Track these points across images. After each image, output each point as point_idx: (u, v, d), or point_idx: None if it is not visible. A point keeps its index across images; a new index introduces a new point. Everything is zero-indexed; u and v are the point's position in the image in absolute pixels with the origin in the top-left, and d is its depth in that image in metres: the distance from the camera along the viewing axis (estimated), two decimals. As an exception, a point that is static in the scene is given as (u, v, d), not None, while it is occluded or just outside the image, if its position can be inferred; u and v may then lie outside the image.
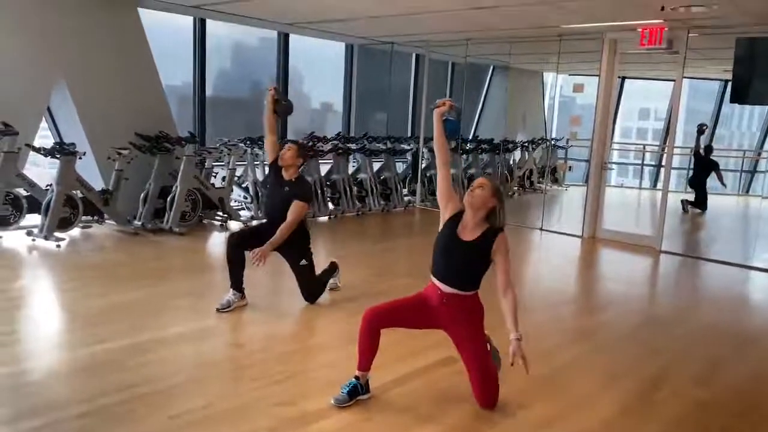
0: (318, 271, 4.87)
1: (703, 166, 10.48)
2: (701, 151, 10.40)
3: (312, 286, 4.74)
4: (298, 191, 4.62)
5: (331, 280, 5.06)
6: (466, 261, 3.14)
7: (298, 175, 4.71)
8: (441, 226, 3.24)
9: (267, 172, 4.90)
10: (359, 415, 3.09)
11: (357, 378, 3.21)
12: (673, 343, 4.48)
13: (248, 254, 4.48)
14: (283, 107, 4.83)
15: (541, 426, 3.11)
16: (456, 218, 3.17)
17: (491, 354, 3.39)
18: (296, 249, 4.68)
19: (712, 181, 10.71)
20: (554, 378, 3.60)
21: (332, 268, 5.08)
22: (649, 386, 3.67)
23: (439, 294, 3.17)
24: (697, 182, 10.62)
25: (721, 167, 10.76)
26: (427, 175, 10.27)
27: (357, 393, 3.19)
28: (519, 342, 3.04)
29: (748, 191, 12.34)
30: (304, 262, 4.69)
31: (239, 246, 4.60)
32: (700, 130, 10.42)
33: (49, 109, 7.05)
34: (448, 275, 3.17)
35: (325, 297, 4.99)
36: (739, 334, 4.88)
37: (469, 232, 3.12)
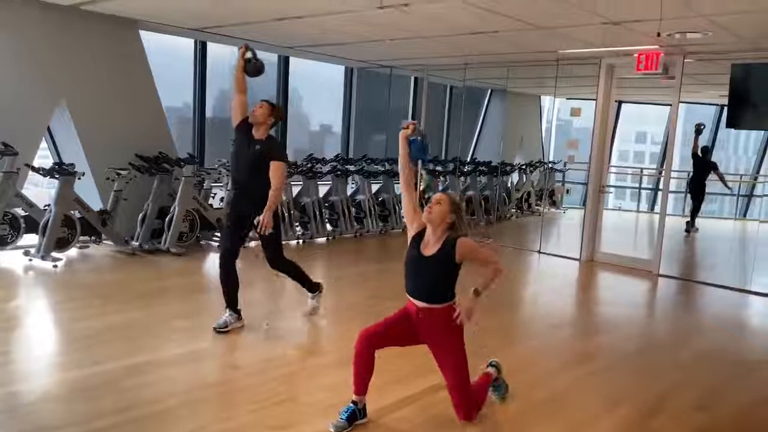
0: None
1: (702, 167, 10.42)
2: (699, 152, 10.38)
3: (275, 258, 4.61)
4: (272, 150, 4.41)
5: (311, 302, 4.93)
6: (431, 275, 3.19)
7: (269, 134, 4.48)
8: (409, 244, 3.30)
9: (235, 134, 4.56)
10: (355, 440, 3.06)
11: (355, 402, 3.19)
12: (673, 368, 4.46)
13: (252, 246, 4.33)
14: (253, 66, 4.56)
15: (540, 451, 3.07)
16: (420, 235, 3.23)
17: (497, 385, 3.46)
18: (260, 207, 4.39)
19: (708, 203, 10.70)
20: (553, 402, 3.57)
21: (314, 286, 4.92)
22: (649, 411, 3.64)
23: (415, 309, 3.22)
24: (698, 184, 10.56)
25: (718, 191, 10.78)
26: (426, 197, 10.27)
27: (356, 418, 3.17)
28: (475, 295, 3.08)
29: (745, 215, 12.37)
30: (270, 230, 4.39)
31: (231, 260, 4.54)
32: (698, 129, 10.29)
33: (49, 129, 7.08)
34: (418, 291, 3.23)
35: (320, 320, 4.96)
36: (738, 359, 4.86)
37: (430, 247, 3.18)
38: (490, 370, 3.49)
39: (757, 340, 5.72)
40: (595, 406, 3.68)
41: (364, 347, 3.16)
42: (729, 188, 10.81)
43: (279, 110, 4.59)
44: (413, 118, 11.52)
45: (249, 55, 4.56)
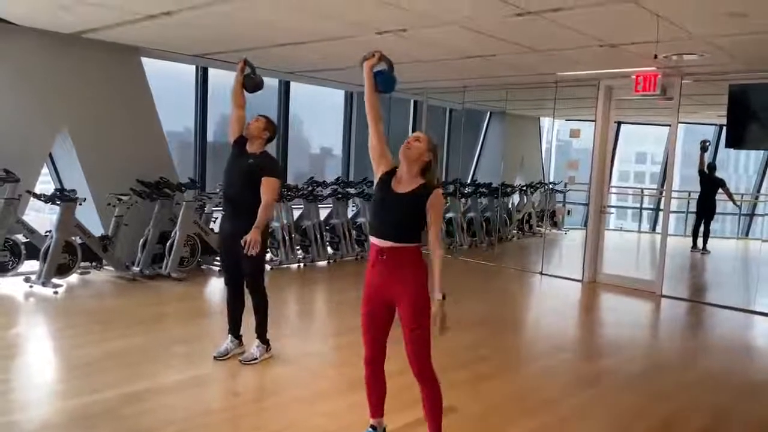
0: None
1: (710, 184, 10.40)
2: (705, 169, 10.38)
3: (253, 280, 4.39)
4: (265, 165, 4.28)
5: (256, 348, 4.46)
6: (401, 212, 3.00)
7: (263, 150, 4.37)
8: (375, 184, 3.13)
9: (231, 150, 4.45)
10: (359, 467, 3.02)
11: (373, 427, 3.17)
12: (678, 391, 4.41)
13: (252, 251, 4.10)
14: (252, 81, 4.49)
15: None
16: (390, 173, 3.07)
17: None
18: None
19: (712, 224, 10.69)
20: (560, 427, 3.53)
21: (265, 339, 4.52)
22: (655, 435, 3.59)
23: (378, 250, 3.00)
24: (707, 202, 10.48)
25: (720, 211, 10.76)
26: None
27: None
28: (440, 302, 2.90)
29: (747, 234, 12.35)
30: (255, 251, 4.15)
31: (237, 287, 4.48)
32: (703, 147, 10.32)
33: (50, 156, 7.11)
34: (384, 229, 3.03)
35: (321, 345, 4.93)
36: (744, 381, 4.81)
37: (404, 185, 3.01)
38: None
39: (763, 361, 5.67)
40: (601, 429, 3.64)
41: (369, 371, 3.12)
42: (737, 204, 10.76)
43: (275, 125, 4.48)
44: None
45: (248, 70, 4.51)
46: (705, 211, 10.57)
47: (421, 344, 2.98)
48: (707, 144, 10.49)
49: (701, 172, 10.37)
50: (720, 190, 10.43)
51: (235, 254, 4.27)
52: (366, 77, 3.15)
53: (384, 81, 3.15)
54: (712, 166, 10.59)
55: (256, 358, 4.41)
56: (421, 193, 2.98)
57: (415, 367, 2.99)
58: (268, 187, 4.23)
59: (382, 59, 3.14)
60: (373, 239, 3.06)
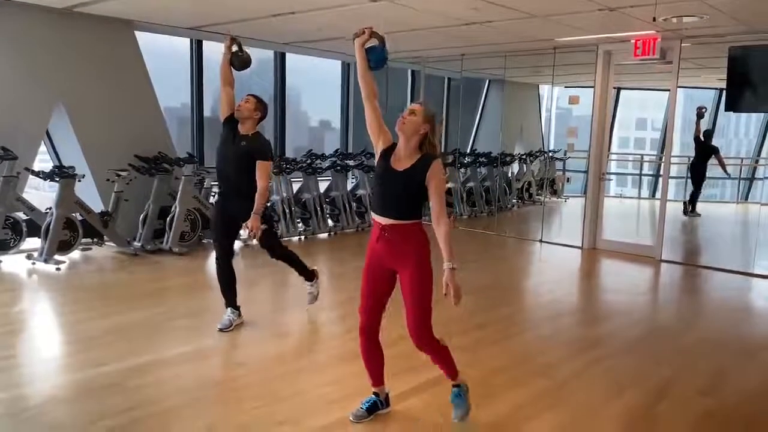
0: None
1: (704, 152, 10.44)
2: (701, 136, 10.39)
3: (273, 248, 4.59)
4: (257, 148, 4.31)
5: (309, 290, 4.90)
6: (401, 190, 2.98)
7: (255, 130, 4.37)
8: (376, 161, 3.11)
9: (222, 130, 4.46)
10: (363, 431, 3.07)
11: (376, 394, 3.22)
12: (678, 353, 4.46)
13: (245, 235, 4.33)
14: (240, 59, 4.41)
15: (545, 439, 3.08)
16: (389, 150, 3.04)
17: (460, 400, 3.18)
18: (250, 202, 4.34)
19: (709, 188, 10.69)
20: (559, 390, 3.58)
21: (309, 273, 4.88)
22: (654, 397, 3.64)
23: (380, 228, 3.02)
24: (699, 168, 10.57)
25: (719, 176, 10.77)
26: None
27: (377, 408, 3.21)
28: (452, 271, 2.88)
29: (747, 198, 12.34)
30: (263, 226, 4.35)
31: (227, 261, 4.53)
32: (699, 113, 10.34)
33: (48, 133, 7.08)
34: (385, 206, 3.04)
35: (323, 315, 4.98)
36: (743, 342, 4.86)
37: (402, 161, 2.98)
38: (461, 376, 3.23)
39: (762, 323, 5.72)
40: (600, 393, 3.69)
41: (364, 340, 3.16)
42: (728, 174, 10.79)
43: (265, 104, 4.46)
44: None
45: (235, 47, 4.42)
46: (695, 175, 10.63)
47: (422, 315, 3.00)
48: (703, 111, 10.48)
49: (696, 138, 10.40)
50: (714, 158, 10.47)
51: (228, 230, 4.46)
52: (358, 55, 3.10)
53: (376, 58, 3.11)
54: (708, 134, 10.59)
55: (315, 294, 4.89)
56: (419, 167, 2.94)
57: (415, 337, 3.02)
58: (262, 171, 4.27)
59: (373, 35, 3.09)
60: (374, 215, 3.07)
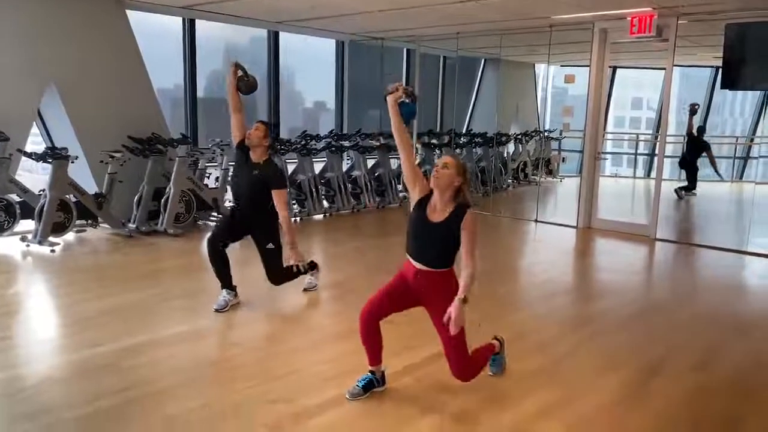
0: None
1: (695, 147, 10.54)
2: (694, 131, 10.45)
3: (277, 271, 4.61)
4: (271, 178, 4.42)
5: (309, 279, 4.98)
6: (436, 241, 3.12)
7: (267, 157, 4.49)
8: (411, 209, 3.22)
9: (235, 153, 4.61)
10: (358, 409, 3.09)
11: (372, 372, 3.25)
12: (671, 331, 4.49)
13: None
14: (246, 83, 4.51)
15: (541, 414, 3.11)
16: (425, 200, 3.14)
17: (496, 360, 3.47)
18: (264, 232, 4.56)
19: (704, 168, 10.74)
20: (553, 367, 3.60)
21: (311, 266, 4.96)
22: (648, 373, 3.67)
23: (414, 270, 3.18)
24: (688, 162, 10.68)
25: (714, 154, 10.80)
26: (422, 170, 10.22)
27: (372, 386, 3.24)
28: (461, 303, 2.98)
29: (741, 177, 12.36)
30: (270, 245, 4.53)
31: (218, 245, 4.55)
32: (692, 110, 10.47)
33: (40, 114, 7.02)
34: (420, 255, 3.17)
35: (318, 295, 4.99)
36: (736, 319, 4.89)
37: (438, 213, 3.09)
38: (495, 342, 3.50)
39: (755, 300, 5.75)
40: (594, 369, 3.71)
41: (369, 322, 3.18)
42: (718, 173, 10.84)
43: (272, 127, 4.59)
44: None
45: (240, 73, 4.51)
46: (687, 169, 10.75)
47: (460, 349, 3.14)
48: (696, 107, 10.60)
49: (689, 134, 10.47)
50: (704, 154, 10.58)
51: (234, 232, 4.62)
52: (391, 110, 3.21)
53: (408, 112, 3.24)
54: (701, 129, 10.68)
55: (315, 284, 5.01)
56: (454, 219, 3.05)
57: (455, 368, 3.17)
58: (281, 201, 4.42)
59: (406, 92, 3.21)
60: (409, 258, 3.20)
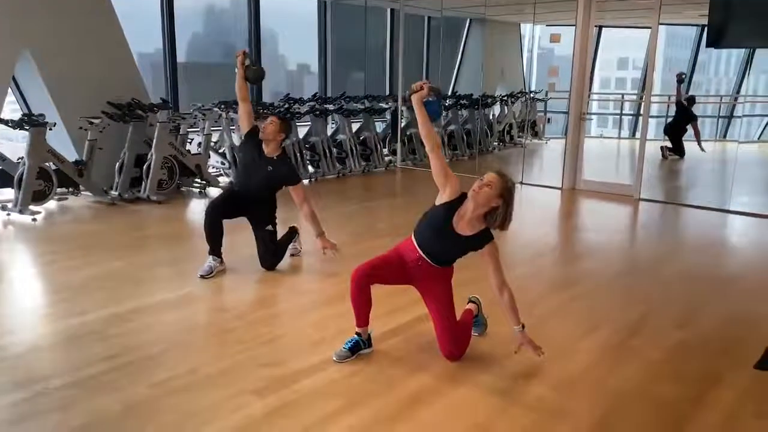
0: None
1: (682, 116, 10.56)
2: (683, 101, 10.48)
3: (273, 252, 4.67)
4: (286, 175, 4.51)
5: (291, 246, 4.99)
6: (451, 249, 3.15)
7: (280, 152, 4.53)
8: (439, 202, 3.12)
9: (242, 141, 4.69)
10: (346, 371, 3.12)
11: (358, 334, 3.27)
12: (653, 289, 4.56)
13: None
14: (253, 72, 4.55)
15: (522, 375, 3.16)
16: (456, 204, 3.05)
17: (477, 320, 3.54)
18: (266, 214, 4.65)
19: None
20: (535, 328, 3.62)
21: (292, 233, 5.00)
22: (629, 331, 3.73)
23: (417, 256, 3.18)
24: (674, 131, 10.72)
25: (699, 113, 10.85)
26: (407, 133, 10.19)
27: (359, 348, 3.26)
28: (523, 332, 3.13)
29: (725, 137, 12.43)
30: (269, 227, 4.64)
31: (218, 216, 4.54)
32: (680, 79, 10.52)
33: (15, 81, 6.85)
34: (430, 251, 3.16)
35: (304, 260, 5.00)
36: (718, 276, 4.97)
37: (465, 224, 3.03)
38: (471, 306, 3.55)
39: (735, 257, 5.84)
40: (576, 329, 3.77)
41: (363, 283, 3.17)
42: (701, 148, 10.86)
43: (289, 125, 4.65)
44: (391, 53, 11.27)
45: (248, 61, 4.51)
46: (670, 138, 10.79)
47: (452, 328, 3.22)
48: (683, 76, 10.67)
49: (678, 103, 10.49)
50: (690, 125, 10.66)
51: (234, 206, 4.60)
52: (417, 110, 3.11)
53: (433, 110, 3.16)
54: (692, 100, 10.69)
55: (298, 248, 5.04)
56: (476, 241, 3.05)
57: (447, 347, 3.22)
58: (300, 195, 4.51)
59: (431, 90, 3.12)
60: (416, 243, 3.17)
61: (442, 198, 3.11)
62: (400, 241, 3.35)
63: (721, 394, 3.00)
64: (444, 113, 10.83)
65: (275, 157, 4.49)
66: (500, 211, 2.99)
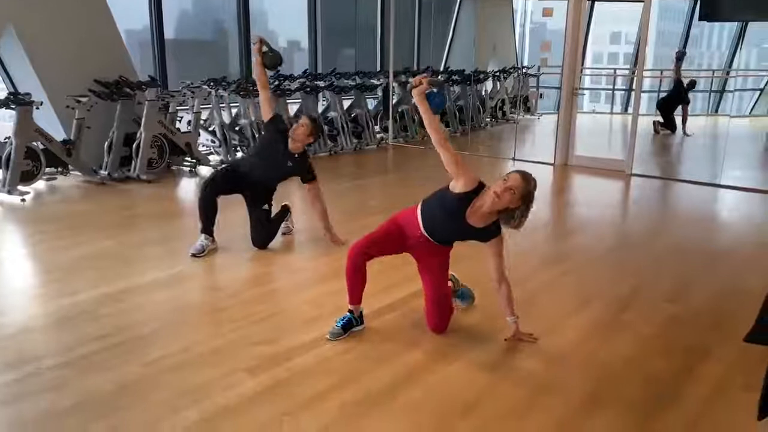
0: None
1: (677, 95, 10.54)
2: (682, 79, 10.47)
3: (267, 230, 4.67)
4: (304, 172, 4.55)
5: (283, 225, 4.98)
6: (457, 235, 3.17)
7: (303, 150, 4.55)
8: (453, 189, 3.04)
9: (265, 128, 4.68)
10: (339, 349, 3.13)
11: (350, 311, 3.27)
12: (645, 264, 4.58)
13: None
14: (271, 59, 4.55)
15: (512, 349, 3.18)
16: (472, 195, 2.99)
17: (462, 293, 3.59)
18: (265, 195, 4.66)
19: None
20: (527, 302, 3.65)
21: (284, 211, 4.98)
22: (620, 306, 3.76)
23: (420, 234, 3.17)
24: (666, 106, 10.70)
25: (691, 89, 10.85)
26: (399, 110, 10.13)
27: (351, 325, 3.26)
28: (516, 322, 3.20)
29: (717, 111, 12.43)
30: (266, 207, 4.65)
31: (215, 193, 4.52)
32: (679, 56, 10.51)
33: (0, 59, 6.74)
34: (433, 232, 3.16)
35: (296, 237, 4.99)
36: (708, 250, 5.00)
37: (477, 218, 3.00)
38: (449, 284, 3.55)
39: (725, 231, 5.87)
40: (567, 304, 3.79)
41: (359, 261, 3.17)
42: (685, 133, 10.83)
43: (321, 128, 4.68)
44: (382, 28, 11.14)
45: (265, 48, 4.49)
46: (662, 113, 10.78)
47: (445, 302, 3.27)
48: (683, 53, 10.70)
49: (678, 81, 10.45)
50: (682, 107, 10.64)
51: (233, 188, 4.60)
52: (420, 105, 3.08)
53: (437, 103, 3.12)
54: (692, 84, 10.77)
55: (290, 227, 5.05)
56: (486, 233, 3.06)
57: (435, 320, 3.25)
58: (316, 193, 4.62)
59: (432, 83, 3.08)
60: (421, 221, 3.15)
61: (456, 186, 3.02)
62: (398, 212, 3.34)
63: (711, 367, 3.03)
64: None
65: (297, 155, 4.51)
66: (518, 214, 2.95)
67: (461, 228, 3.06)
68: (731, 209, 6.64)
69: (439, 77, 3.03)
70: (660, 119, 10.78)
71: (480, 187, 3.00)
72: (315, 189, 4.60)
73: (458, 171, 3.01)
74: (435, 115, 3.10)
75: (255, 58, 4.53)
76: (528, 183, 2.95)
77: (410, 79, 3.16)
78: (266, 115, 4.56)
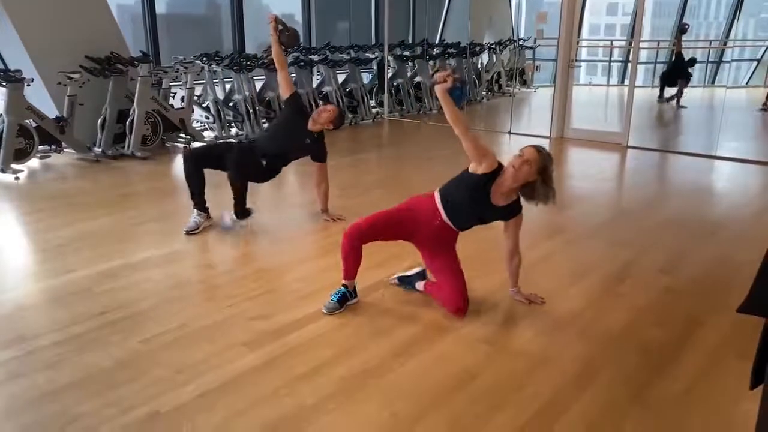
0: None
1: (679, 70, 10.55)
2: (683, 54, 10.44)
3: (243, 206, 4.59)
4: (318, 151, 4.63)
5: (237, 222, 4.74)
6: (481, 216, 3.22)
7: (322, 130, 4.61)
8: (474, 171, 3.13)
9: (285, 105, 4.72)
10: (335, 323, 3.14)
11: (345, 286, 3.28)
12: (640, 236, 4.59)
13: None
14: (287, 37, 4.54)
15: (508, 322, 3.20)
16: (494, 175, 3.10)
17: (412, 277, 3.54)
18: (268, 176, 4.66)
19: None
20: (524, 275, 3.65)
21: (248, 211, 4.70)
22: (616, 278, 3.77)
23: (440, 220, 3.20)
24: (668, 78, 10.71)
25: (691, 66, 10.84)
26: (394, 84, 10.05)
27: (346, 299, 3.28)
28: (519, 291, 3.39)
29: (713, 82, 12.36)
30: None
31: (199, 164, 4.49)
32: (682, 29, 10.49)
33: (-12, 35, 6.65)
34: (460, 218, 3.21)
35: (290, 215, 4.98)
36: (704, 222, 5.01)
37: (500, 196, 3.11)
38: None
39: (721, 203, 5.88)
40: (563, 276, 3.80)
41: (357, 243, 3.18)
42: (679, 105, 10.80)
43: (342, 119, 4.70)
44: (377, 1, 11.00)
45: (280, 27, 4.47)
46: (668, 80, 10.83)
47: (460, 275, 3.27)
48: (686, 27, 10.63)
49: (679, 54, 10.41)
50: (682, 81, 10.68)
51: (223, 163, 4.48)
52: (443, 100, 3.11)
53: (458, 97, 3.18)
54: (692, 61, 10.76)
55: (231, 226, 4.71)
56: (508, 210, 3.17)
57: (455, 300, 3.20)
58: (323, 173, 4.71)
59: (455, 79, 3.08)
60: (440, 207, 3.18)
61: (478, 169, 3.13)
62: (410, 197, 3.36)
63: (705, 337, 3.06)
64: (431, 62, 10.66)
65: (316, 134, 4.58)
66: (538, 186, 3.06)
67: (486, 208, 3.14)
68: (726, 180, 6.64)
69: (459, 74, 3.12)
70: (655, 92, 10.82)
71: (500, 167, 3.13)
72: (323, 169, 4.69)
73: (481, 155, 3.11)
74: (458, 109, 3.14)
75: (272, 37, 4.51)
76: (542, 155, 3.08)
77: (435, 75, 3.17)
78: (286, 92, 4.62)
